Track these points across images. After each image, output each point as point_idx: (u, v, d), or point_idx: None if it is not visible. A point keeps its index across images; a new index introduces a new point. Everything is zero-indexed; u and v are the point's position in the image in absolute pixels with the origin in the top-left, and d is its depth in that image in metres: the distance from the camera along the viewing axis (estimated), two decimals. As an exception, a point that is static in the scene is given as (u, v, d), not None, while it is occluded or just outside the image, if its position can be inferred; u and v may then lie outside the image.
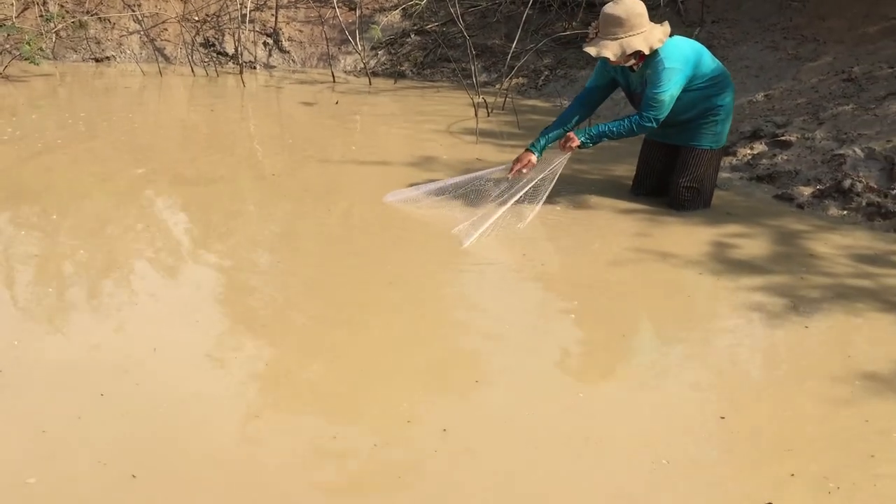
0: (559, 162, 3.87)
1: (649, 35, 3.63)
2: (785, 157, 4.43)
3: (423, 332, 2.85)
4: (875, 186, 3.94)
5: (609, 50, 3.62)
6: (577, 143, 3.78)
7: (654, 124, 3.73)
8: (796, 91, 5.22)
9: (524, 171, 3.87)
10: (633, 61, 3.71)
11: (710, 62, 3.82)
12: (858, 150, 4.18)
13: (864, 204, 3.88)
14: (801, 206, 4.03)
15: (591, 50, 3.66)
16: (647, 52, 3.62)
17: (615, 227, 3.81)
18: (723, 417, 2.35)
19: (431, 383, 2.53)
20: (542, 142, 3.91)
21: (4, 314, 2.91)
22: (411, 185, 4.14)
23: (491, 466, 2.13)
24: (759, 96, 5.25)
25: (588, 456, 2.18)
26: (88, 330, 2.85)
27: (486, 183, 3.95)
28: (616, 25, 3.61)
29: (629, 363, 2.76)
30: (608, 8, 3.65)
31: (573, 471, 2.13)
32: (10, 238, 3.57)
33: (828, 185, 4.07)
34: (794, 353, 2.78)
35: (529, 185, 3.82)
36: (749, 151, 4.63)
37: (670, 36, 3.69)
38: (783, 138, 4.58)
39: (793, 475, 2.11)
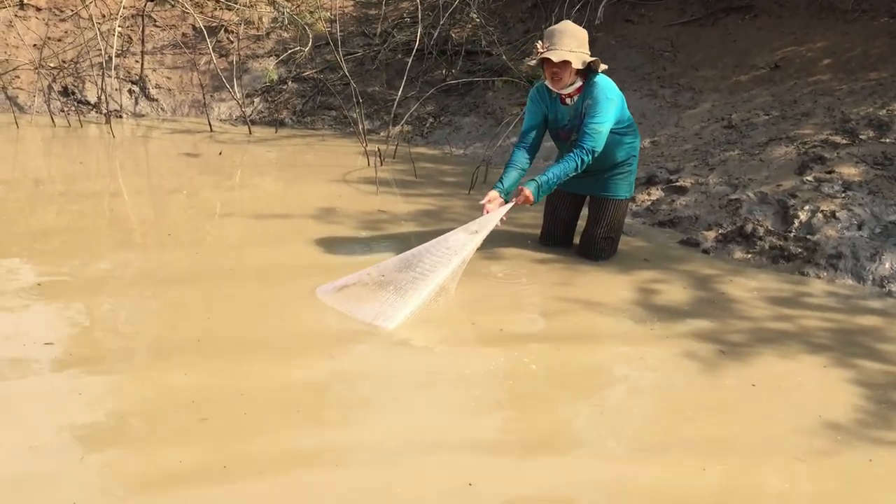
0: (499, 215, 3.54)
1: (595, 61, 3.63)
2: (683, 203, 4.56)
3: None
4: (773, 229, 4.11)
5: (573, 56, 3.53)
6: (531, 196, 3.56)
7: (592, 157, 3.59)
8: (681, 138, 5.42)
9: (489, 207, 3.57)
10: (574, 87, 3.66)
11: (625, 107, 3.84)
12: (752, 195, 4.36)
13: (766, 247, 4.03)
14: (706, 251, 4.14)
15: (554, 55, 3.50)
16: (598, 70, 3.63)
17: (537, 279, 3.76)
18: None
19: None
20: (506, 183, 3.65)
21: None
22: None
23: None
24: (646, 143, 5.41)
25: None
26: None
27: (417, 258, 3.39)
28: (570, 38, 3.56)
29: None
30: (560, 25, 3.63)
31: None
32: None
33: (729, 229, 4.21)
34: (761, 416, 2.68)
35: (460, 257, 3.38)
36: (647, 197, 4.74)
37: None
38: (678, 184, 4.73)
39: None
